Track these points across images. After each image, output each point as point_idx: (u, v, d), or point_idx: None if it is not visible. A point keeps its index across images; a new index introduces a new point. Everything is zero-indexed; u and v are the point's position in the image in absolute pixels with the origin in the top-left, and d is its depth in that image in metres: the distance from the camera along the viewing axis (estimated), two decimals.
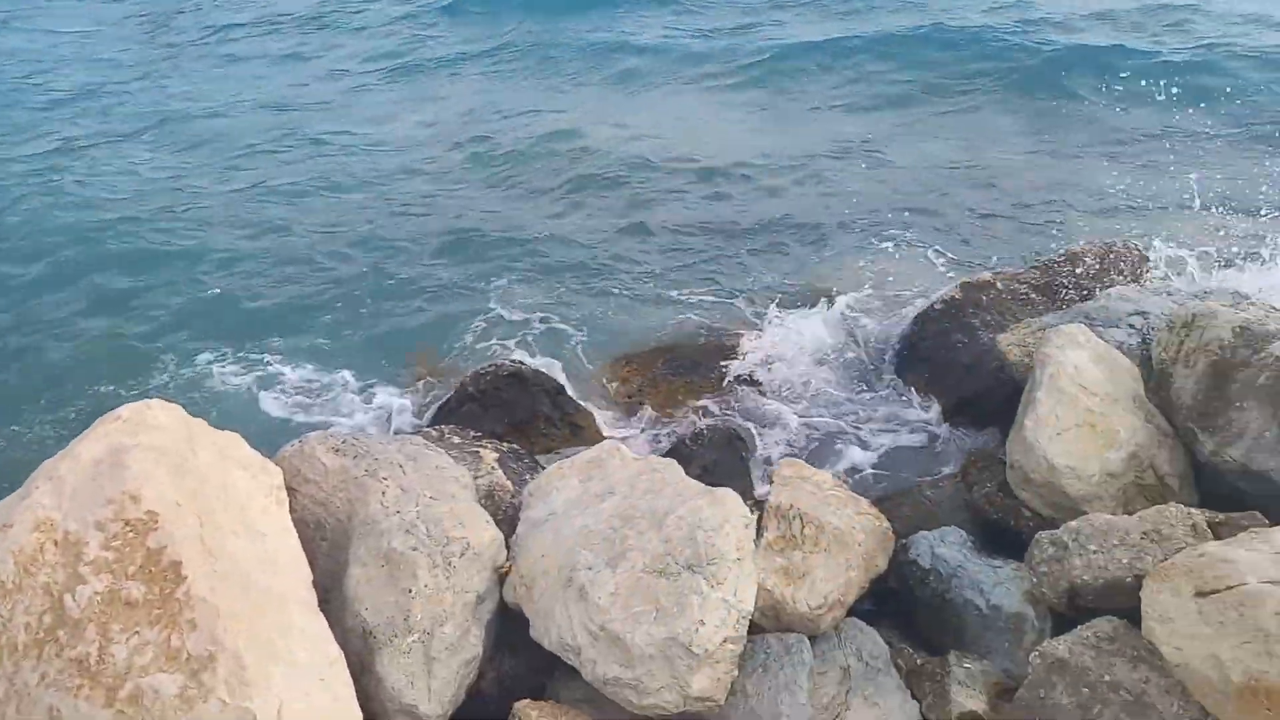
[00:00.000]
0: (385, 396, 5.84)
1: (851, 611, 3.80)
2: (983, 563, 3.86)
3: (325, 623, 3.11)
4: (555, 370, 5.84)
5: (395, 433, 5.42)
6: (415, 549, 3.37)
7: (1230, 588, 2.78)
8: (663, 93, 11.14)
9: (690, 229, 7.66)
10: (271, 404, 5.86)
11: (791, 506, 3.78)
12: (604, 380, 5.82)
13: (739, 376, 5.68)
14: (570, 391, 5.46)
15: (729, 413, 5.39)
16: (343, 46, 13.75)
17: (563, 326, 6.41)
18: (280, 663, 2.80)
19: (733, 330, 6.17)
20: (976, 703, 3.32)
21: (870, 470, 4.82)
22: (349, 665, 3.05)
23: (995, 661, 3.58)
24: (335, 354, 6.31)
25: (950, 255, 6.91)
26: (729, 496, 3.41)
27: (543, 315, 6.54)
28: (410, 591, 3.30)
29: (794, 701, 3.15)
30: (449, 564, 3.38)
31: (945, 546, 3.97)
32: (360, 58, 13.13)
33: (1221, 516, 3.47)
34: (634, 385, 5.66)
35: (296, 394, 5.95)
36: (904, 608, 3.98)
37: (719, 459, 4.81)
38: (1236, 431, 3.78)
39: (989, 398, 4.99)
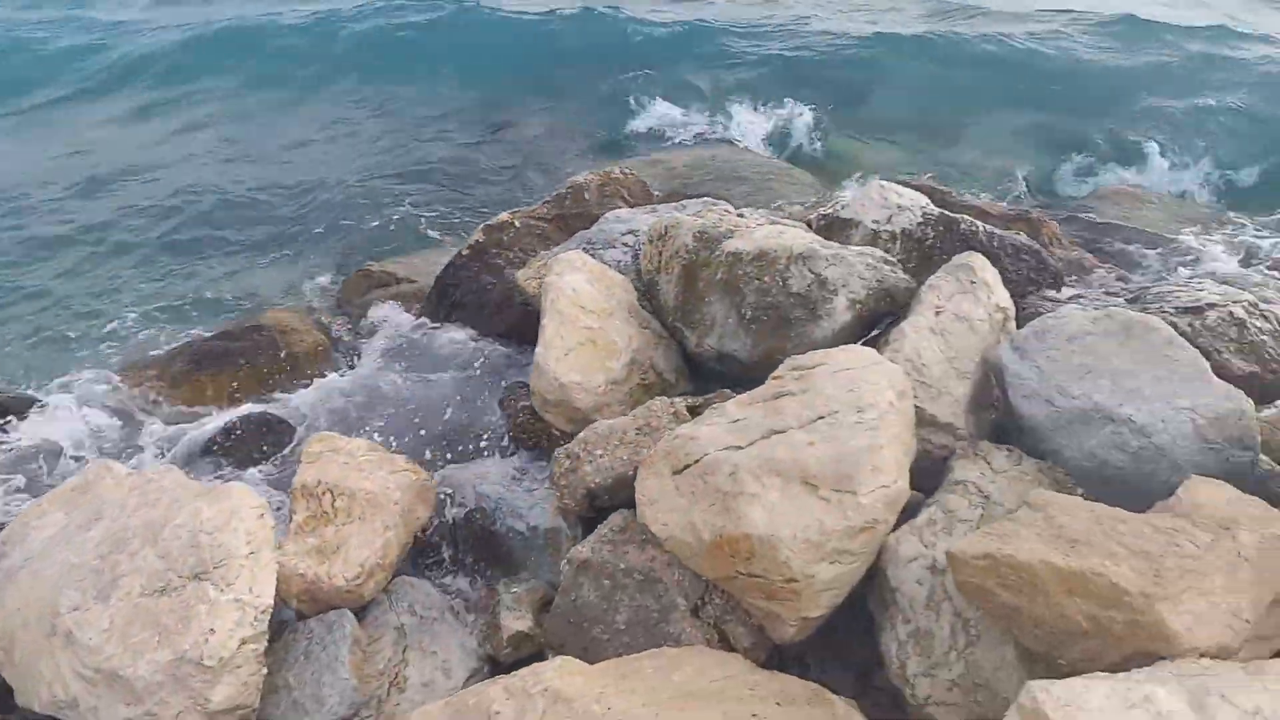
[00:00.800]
0: None
1: (413, 566, 3.79)
2: (521, 489, 4.04)
3: None
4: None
5: None
6: None
7: (696, 461, 3.16)
8: None
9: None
10: None
11: (319, 482, 3.64)
12: (116, 396, 5.17)
13: (275, 360, 5.34)
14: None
15: (266, 399, 5.07)
16: None
17: None
18: None
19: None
20: (523, 622, 3.48)
21: (419, 421, 4.80)
22: None
23: (541, 577, 3.79)
24: None
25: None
26: (233, 490, 3.19)
27: None
28: None
29: (335, 679, 3.07)
30: None
31: (487, 484, 4.09)
32: None
33: (701, 400, 3.95)
34: (147, 391, 5.09)
35: None
36: (461, 550, 4.06)
37: (255, 450, 4.50)
38: (709, 324, 4.31)
39: (522, 332, 5.19)
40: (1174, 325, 4.32)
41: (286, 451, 4.69)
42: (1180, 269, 6.08)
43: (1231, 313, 4.50)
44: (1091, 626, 2.54)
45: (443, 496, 4.03)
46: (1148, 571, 2.52)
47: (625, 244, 5.01)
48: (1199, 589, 2.50)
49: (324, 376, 5.25)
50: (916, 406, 3.46)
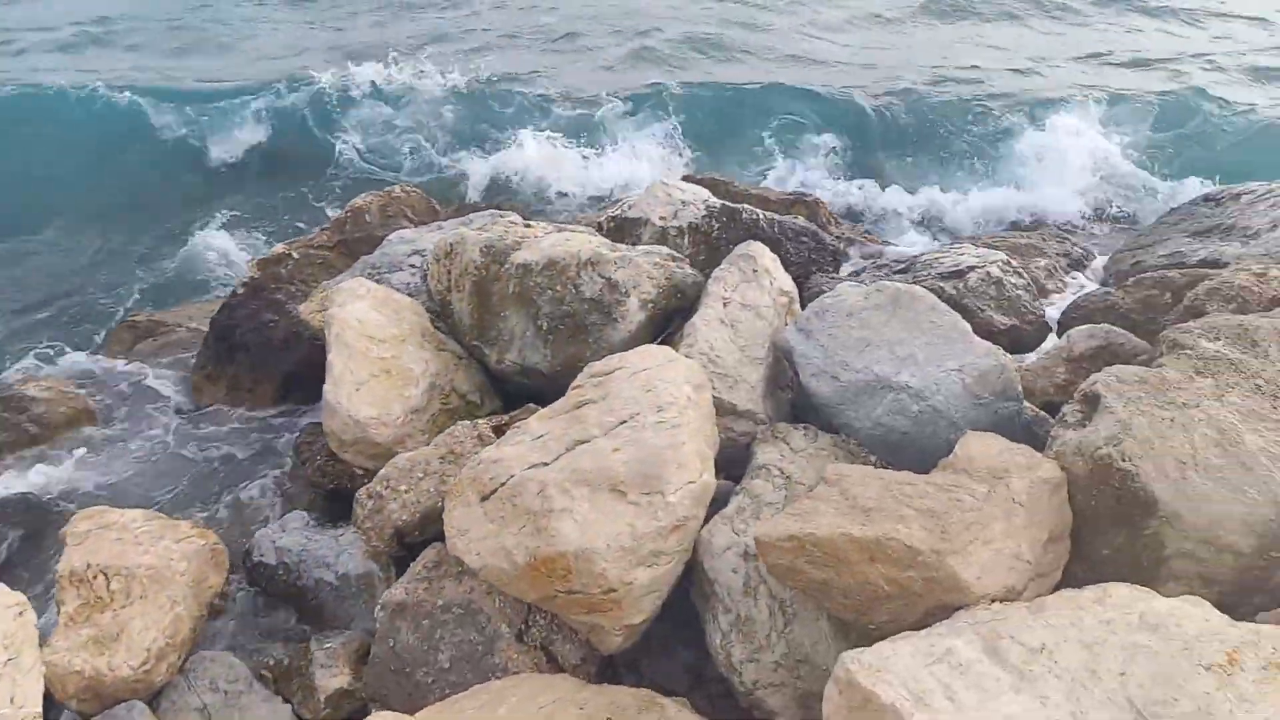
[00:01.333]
0: None
1: (212, 639, 3.48)
2: (326, 537, 3.81)
3: None
4: None
5: None
6: None
7: (503, 483, 3.07)
8: None
9: None
10: None
11: (89, 565, 3.28)
12: None
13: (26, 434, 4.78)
14: None
15: (21, 477, 4.53)
16: None
17: None
18: None
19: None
20: (340, 678, 3.28)
21: (203, 479, 4.45)
22: None
23: (358, 627, 3.58)
24: None
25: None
26: None
27: None
28: None
29: None
30: None
31: (287, 535, 3.83)
32: None
33: (506, 418, 3.86)
34: None
35: None
36: (264, 611, 3.78)
37: (10, 537, 4.01)
38: (507, 339, 4.22)
39: (312, 369, 4.90)
40: (941, 290, 4.65)
41: (49, 534, 4.20)
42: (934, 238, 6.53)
43: (989, 273, 4.88)
44: (894, 589, 2.66)
45: (238, 557, 3.74)
46: (936, 529, 2.66)
47: (412, 265, 4.84)
48: (982, 539, 2.67)
49: (88, 444, 4.74)
50: (715, 397, 3.53)
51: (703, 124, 9.29)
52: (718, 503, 3.24)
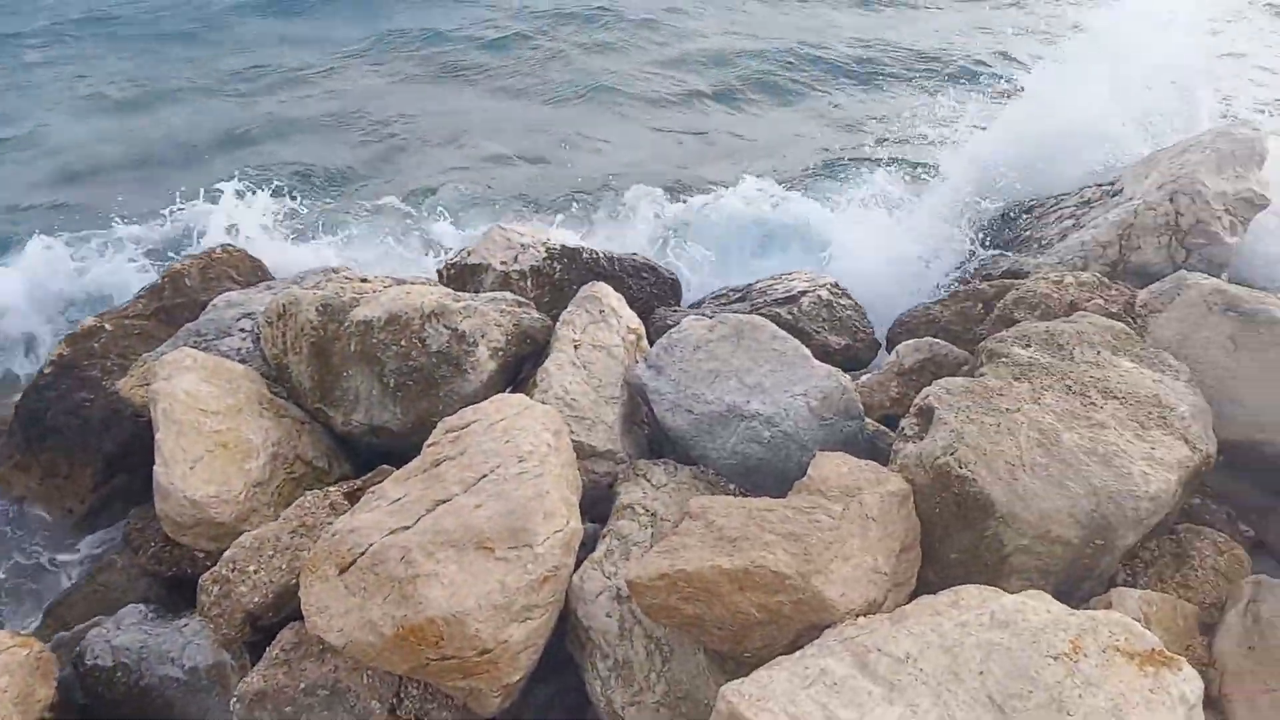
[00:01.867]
0: None
1: None
2: (169, 629, 3.53)
3: None
4: None
5: None
6: None
7: (363, 553, 2.95)
8: None
9: None
10: None
11: None
12: None
13: None
14: None
15: None
16: None
17: None
18: None
19: None
20: None
21: (21, 581, 4.03)
22: None
23: None
24: None
25: None
26: None
27: None
28: None
29: None
30: None
31: (124, 632, 3.52)
32: None
33: (360, 482, 3.72)
34: None
35: None
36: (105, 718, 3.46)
37: None
38: (353, 399, 4.07)
39: (137, 450, 4.55)
40: (778, 316, 4.85)
41: None
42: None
43: (820, 296, 5.14)
44: (765, 615, 2.73)
45: (68, 664, 3.41)
46: (799, 552, 2.76)
47: (242, 330, 4.59)
48: (842, 556, 2.79)
49: None
50: (574, 440, 3.53)
51: None
52: (586, 546, 3.23)
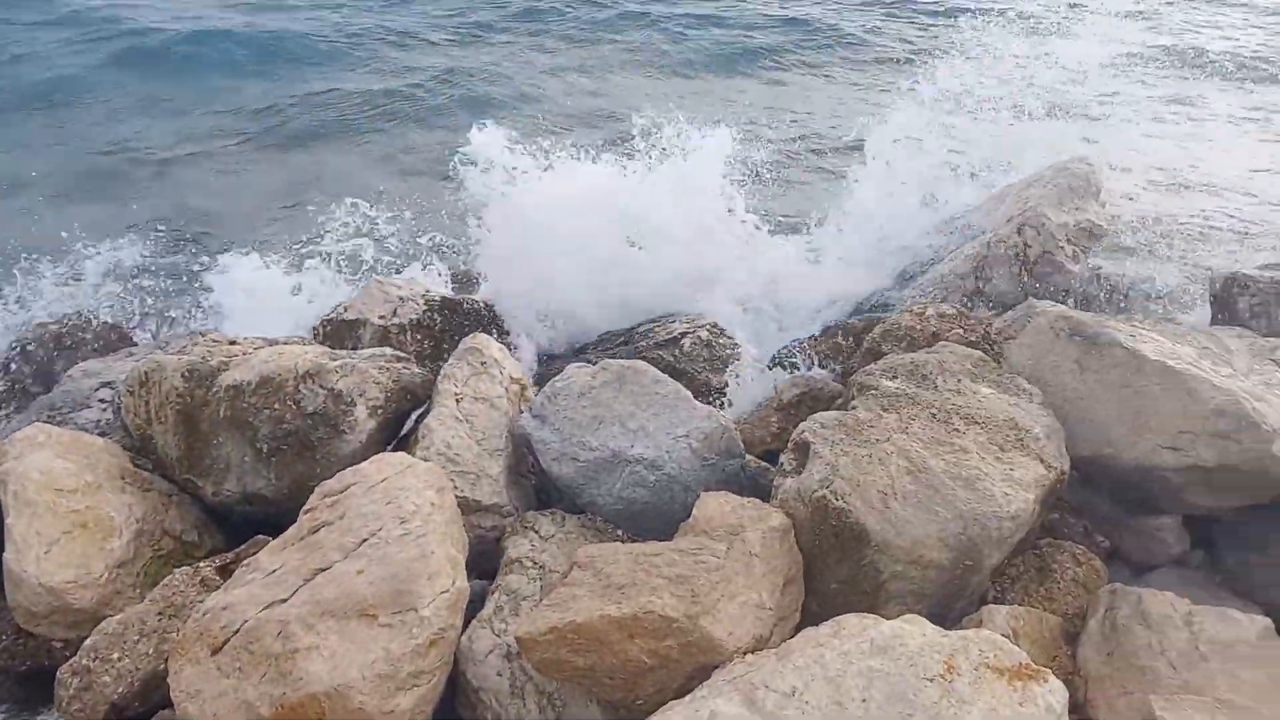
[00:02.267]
0: None
1: None
2: None
3: None
4: None
5: None
6: None
7: (237, 631, 2.82)
8: None
9: None
10: None
11: None
12: None
13: None
14: None
15: None
16: None
17: None
18: None
19: None
20: None
21: None
22: None
23: None
24: None
25: None
26: None
27: None
28: None
29: None
30: None
31: None
32: None
33: (233, 555, 3.56)
34: None
35: None
36: None
37: None
38: (224, 467, 3.91)
39: None
40: (660, 358, 4.93)
41: None
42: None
43: (700, 336, 5.25)
44: (655, 660, 2.74)
45: None
46: (686, 594, 2.78)
47: (102, 400, 4.37)
48: (728, 595, 2.83)
49: None
50: (458, 496, 3.47)
51: None
52: (474, 604, 3.18)
